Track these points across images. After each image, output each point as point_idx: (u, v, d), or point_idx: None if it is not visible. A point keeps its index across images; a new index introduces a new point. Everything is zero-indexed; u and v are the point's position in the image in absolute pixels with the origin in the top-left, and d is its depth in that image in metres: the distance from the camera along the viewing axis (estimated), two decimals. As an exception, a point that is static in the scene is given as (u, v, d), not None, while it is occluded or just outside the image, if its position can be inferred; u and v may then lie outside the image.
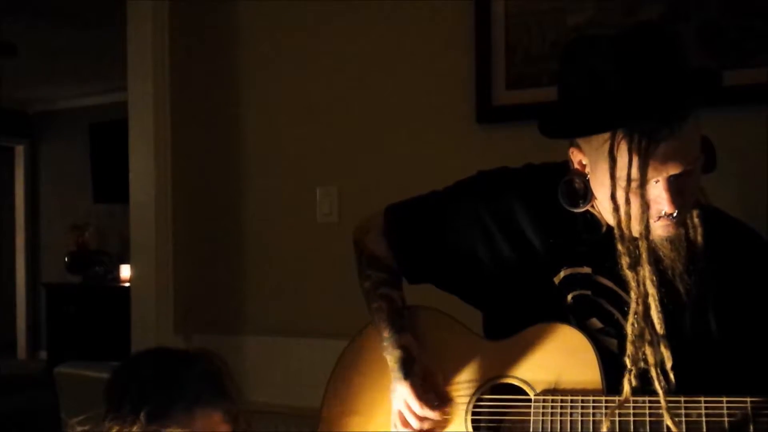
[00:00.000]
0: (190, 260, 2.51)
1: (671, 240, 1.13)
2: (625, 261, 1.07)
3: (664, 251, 1.13)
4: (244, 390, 1.16)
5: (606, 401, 1.10)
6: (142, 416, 1.05)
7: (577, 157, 1.14)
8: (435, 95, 2.13)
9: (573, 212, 1.18)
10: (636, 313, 1.07)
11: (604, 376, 1.12)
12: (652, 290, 1.06)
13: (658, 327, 1.07)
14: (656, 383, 1.06)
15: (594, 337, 1.16)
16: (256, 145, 2.41)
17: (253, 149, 2.42)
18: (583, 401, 1.12)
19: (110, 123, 6.02)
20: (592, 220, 1.18)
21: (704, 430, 1.04)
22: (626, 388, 1.09)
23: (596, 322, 1.18)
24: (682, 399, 1.06)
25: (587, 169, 1.13)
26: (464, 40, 2.05)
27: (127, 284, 5.45)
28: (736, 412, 1.03)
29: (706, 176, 1.13)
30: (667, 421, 1.05)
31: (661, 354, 1.07)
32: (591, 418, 1.10)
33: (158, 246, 2.48)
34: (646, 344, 1.07)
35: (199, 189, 2.51)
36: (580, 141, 1.12)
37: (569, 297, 1.20)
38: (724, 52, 1.74)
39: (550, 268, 1.22)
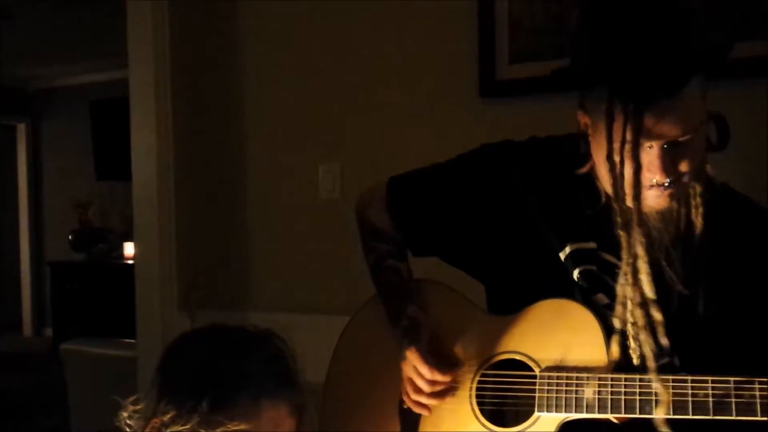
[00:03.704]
0: (193, 237, 2.51)
1: (662, 212, 1.12)
2: (618, 221, 1.07)
3: (653, 222, 1.12)
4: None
5: (612, 378, 1.10)
6: (204, 404, 0.93)
7: (582, 119, 1.13)
8: (438, 70, 2.11)
9: (577, 185, 1.17)
10: (625, 273, 1.07)
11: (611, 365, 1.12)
12: (641, 252, 1.06)
13: (647, 289, 1.06)
14: (646, 346, 1.06)
15: (600, 313, 1.15)
16: (259, 123, 2.40)
17: (255, 126, 2.40)
18: (588, 378, 1.12)
19: (111, 100, 6.00)
20: (592, 190, 1.17)
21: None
22: (614, 348, 1.09)
23: (603, 298, 1.18)
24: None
25: (590, 130, 1.12)
26: (467, 15, 2.03)
27: (130, 261, 5.46)
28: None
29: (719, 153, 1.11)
30: (655, 384, 1.05)
31: (652, 317, 1.07)
32: (596, 396, 1.11)
33: (161, 223, 2.49)
34: (637, 306, 1.07)
35: (202, 166, 2.51)
36: (586, 101, 1.11)
37: (575, 273, 1.19)
38: (731, 24, 1.73)
39: (556, 243, 1.21)
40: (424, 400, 1.23)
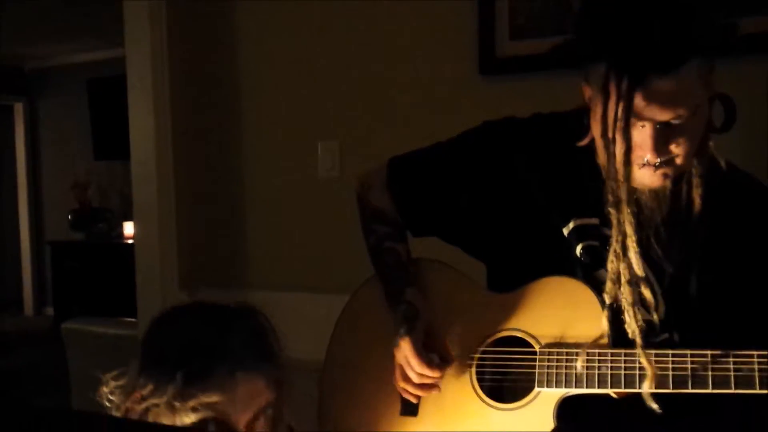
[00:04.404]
0: (192, 216, 2.51)
1: (656, 191, 1.12)
2: (609, 199, 1.08)
3: (645, 200, 1.13)
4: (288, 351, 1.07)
5: (612, 354, 1.11)
6: (178, 377, 0.96)
7: (586, 93, 1.14)
8: (437, 47, 2.09)
9: (580, 162, 1.17)
10: (615, 251, 1.09)
11: (609, 330, 1.13)
12: (630, 231, 1.07)
13: (636, 268, 1.08)
14: (633, 322, 1.08)
15: (601, 289, 1.16)
16: (257, 101, 2.38)
17: (254, 104, 2.39)
18: (588, 354, 1.12)
19: (108, 79, 5.96)
20: (594, 165, 1.17)
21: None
22: (604, 323, 1.11)
23: (604, 274, 1.18)
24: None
25: (591, 105, 1.12)
26: (467, -10, 2.01)
27: (130, 241, 5.47)
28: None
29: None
30: (642, 359, 1.07)
31: (640, 294, 1.08)
32: (596, 372, 1.11)
33: (160, 203, 2.48)
34: (625, 283, 1.08)
35: (200, 145, 2.50)
36: (589, 74, 1.11)
37: (578, 248, 1.20)
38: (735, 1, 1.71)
39: (559, 219, 1.21)
40: (410, 389, 1.25)
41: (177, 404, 0.96)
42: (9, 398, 4.50)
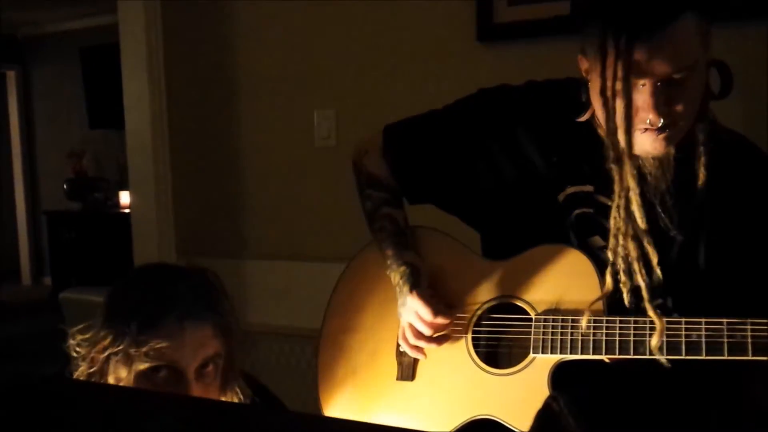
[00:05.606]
0: (188, 186, 2.50)
1: (660, 159, 1.12)
2: (609, 155, 1.08)
3: (649, 168, 1.12)
4: (241, 309, 1.19)
5: (607, 321, 1.11)
6: (132, 327, 1.08)
7: (583, 65, 1.13)
8: (434, 14, 2.07)
9: (575, 129, 1.17)
10: (618, 206, 1.09)
11: (605, 298, 1.13)
12: (632, 184, 1.07)
13: (640, 222, 1.08)
14: (638, 277, 1.08)
15: (595, 256, 1.16)
16: (253, 68, 2.36)
17: (249, 72, 2.37)
18: (587, 321, 1.12)
19: (102, 46, 5.89)
20: (593, 136, 1.17)
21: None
22: (608, 280, 1.11)
23: (598, 240, 1.18)
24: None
25: (589, 76, 1.12)
26: (464, -45, 1.98)
27: (127, 210, 5.46)
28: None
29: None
30: (649, 312, 1.07)
31: (645, 249, 1.08)
32: (591, 338, 1.12)
33: (156, 172, 2.47)
34: (629, 238, 1.08)
35: (196, 114, 2.48)
36: (585, 44, 1.10)
37: (572, 215, 1.20)
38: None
39: (554, 186, 1.21)
40: (423, 344, 1.25)
41: (132, 351, 1.08)
42: (8, 367, 4.53)
